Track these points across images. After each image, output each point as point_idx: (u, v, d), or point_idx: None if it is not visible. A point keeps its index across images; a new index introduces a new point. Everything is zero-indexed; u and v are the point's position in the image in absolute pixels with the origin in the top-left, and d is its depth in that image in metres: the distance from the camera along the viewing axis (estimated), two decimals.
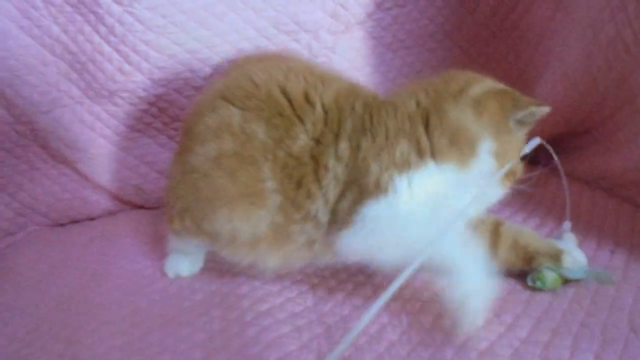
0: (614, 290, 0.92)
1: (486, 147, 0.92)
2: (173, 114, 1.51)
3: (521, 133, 0.98)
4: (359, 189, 0.92)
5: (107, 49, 1.43)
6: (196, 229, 1.05)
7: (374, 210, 0.90)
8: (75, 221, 1.60)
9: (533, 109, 0.92)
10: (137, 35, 1.42)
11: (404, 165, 0.91)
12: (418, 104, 0.96)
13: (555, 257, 0.96)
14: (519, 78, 1.54)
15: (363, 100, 0.99)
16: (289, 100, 0.98)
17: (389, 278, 1.02)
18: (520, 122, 0.94)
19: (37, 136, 1.49)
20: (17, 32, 1.41)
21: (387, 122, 0.94)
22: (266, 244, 0.99)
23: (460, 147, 0.92)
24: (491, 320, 0.88)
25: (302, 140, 0.95)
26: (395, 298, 0.96)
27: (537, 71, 1.46)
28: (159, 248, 1.26)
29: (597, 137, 1.30)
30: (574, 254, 0.98)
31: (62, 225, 1.59)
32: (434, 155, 0.92)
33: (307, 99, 0.98)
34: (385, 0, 1.53)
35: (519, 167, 1.01)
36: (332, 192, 0.94)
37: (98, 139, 1.52)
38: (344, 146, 0.94)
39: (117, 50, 1.43)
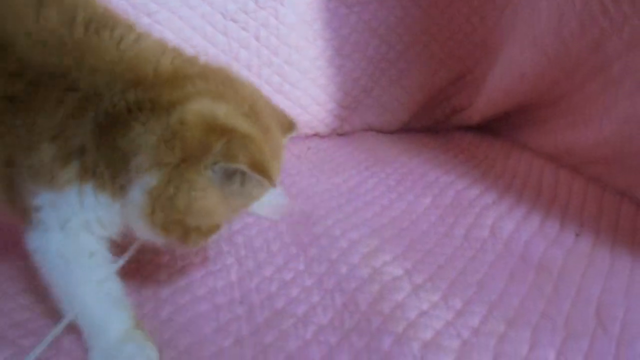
0: (579, 277, 0.83)
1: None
2: None
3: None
4: None
5: None
6: None
7: None
8: None
9: (245, 169, 0.66)
10: None
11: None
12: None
13: None
14: (483, 43, 1.49)
15: None
16: None
17: (324, 249, 0.91)
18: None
19: None
20: None
21: None
22: None
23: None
24: (437, 304, 0.77)
25: None
26: (329, 273, 0.86)
27: (502, 36, 1.39)
28: None
29: (566, 109, 1.23)
30: None
31: None
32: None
33: None
34: None
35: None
36: None
37: None
38: None
39: None
